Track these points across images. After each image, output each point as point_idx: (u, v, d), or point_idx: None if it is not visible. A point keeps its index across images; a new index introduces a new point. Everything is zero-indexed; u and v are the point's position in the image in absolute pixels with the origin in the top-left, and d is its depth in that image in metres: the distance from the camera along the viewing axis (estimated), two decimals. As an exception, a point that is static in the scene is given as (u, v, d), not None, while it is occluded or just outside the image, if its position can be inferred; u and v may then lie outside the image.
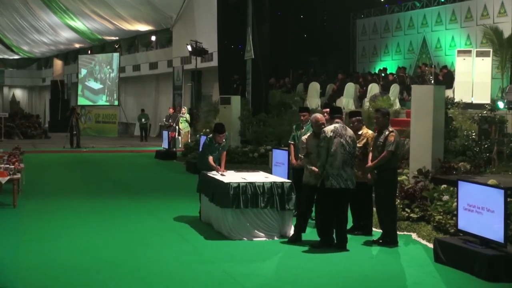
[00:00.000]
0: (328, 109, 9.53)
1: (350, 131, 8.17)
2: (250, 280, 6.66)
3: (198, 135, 20.40)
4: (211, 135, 10.39)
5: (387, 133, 8.22)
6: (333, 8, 24.17)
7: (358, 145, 8.37)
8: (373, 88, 18.61)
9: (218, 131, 10.01)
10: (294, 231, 8.47)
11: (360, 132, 8.86)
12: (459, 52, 17.36)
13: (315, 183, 8.11)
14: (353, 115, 9.13)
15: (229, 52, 23.13)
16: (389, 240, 8.26)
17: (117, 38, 39.08)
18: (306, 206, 8.45)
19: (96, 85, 37.67)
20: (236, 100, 19.03)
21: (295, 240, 8.33)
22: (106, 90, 36.84)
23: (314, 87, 20.49)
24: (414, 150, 10.70)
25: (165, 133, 21.98)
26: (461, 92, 15.99)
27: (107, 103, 36.42)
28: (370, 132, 9.07)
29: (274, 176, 9.55)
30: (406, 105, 16.80)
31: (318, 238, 8.14)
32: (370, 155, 8.52)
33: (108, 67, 36.60)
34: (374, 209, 9.05)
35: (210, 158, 9.82)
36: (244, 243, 8.32)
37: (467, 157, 11.05)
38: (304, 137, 8.67)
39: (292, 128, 10.68)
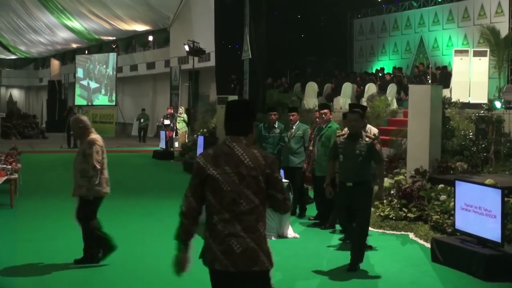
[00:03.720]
0: (326, 110, 9.56)
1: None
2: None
3: (195, 135, 20.39)
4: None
5: (367, 139, 7.04)
6: (331, 8, 24.22)
7: None
8: (371, 88, 18.62)
9: (269, 109, 10.98)
10: None
11: None
12: (456, 51, 17.38)
13: None
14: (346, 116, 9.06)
15: (226, 52, 23.12)
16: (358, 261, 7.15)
17: (114, 38, 39.05)
18: None
19: (93, 84, 37.66)
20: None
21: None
22: (102, 90, 36.83)
23: (312, 87, 20.50)
24: (411, 149, 10.71)
25: (162, 133, 21.96)
26: (458, 91, 16.01)
27: (105, 103, 36.39)
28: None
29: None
30: (404, 105, 16.81)
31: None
32: (330, 163, 7.45)
33: (105, 66, 36.59)
34: None
35: None
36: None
37: (465, 157, 11.06)
38: None
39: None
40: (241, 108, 3.87)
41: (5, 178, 10.85)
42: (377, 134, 8.29)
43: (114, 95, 35.80)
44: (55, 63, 45.39)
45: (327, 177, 7.46)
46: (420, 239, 8.63)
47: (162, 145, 21.54)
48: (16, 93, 57.21)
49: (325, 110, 9.56)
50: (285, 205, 3.78)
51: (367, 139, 7.04)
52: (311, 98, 20.05)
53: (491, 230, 6.79)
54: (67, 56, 46.96)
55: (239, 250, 3.61)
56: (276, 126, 10.69)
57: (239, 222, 3.62)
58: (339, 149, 7.14)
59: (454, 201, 7.58)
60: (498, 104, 14.17)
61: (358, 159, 6.94)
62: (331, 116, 9.52)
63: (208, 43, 24.91)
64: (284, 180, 8.99)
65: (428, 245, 8.04)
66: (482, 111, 11.98)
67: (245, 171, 3.63)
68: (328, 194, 7.38)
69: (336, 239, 8.64)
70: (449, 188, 9.12)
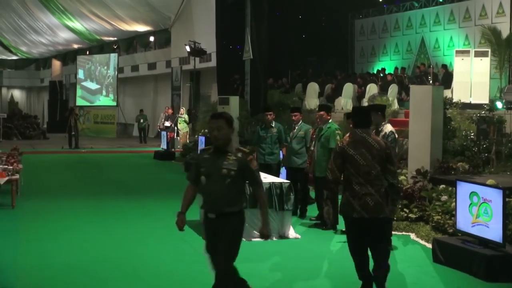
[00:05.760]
0: (322, 112, 9.55)
1: None
2: (248, 280, 6.65)
3: (196, 136, 20.39)
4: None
5: (239, 154, 5.05)
6: (332, 8, 24.18)
7: None
8: (372, 88, 18.62)
9: (265, 109, 11.09)
10: None
11: None
12: (457, 52, 17.37)
13: None
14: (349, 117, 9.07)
15: (227, 53, 23.11)
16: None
17: (115, 38, 39.07)
18: None
19: (94, 85, 37.67)
20: (234, 100, 19.00)
21: None
22: (103, 90, 36.85)
23: (313, 87, 20.50)
24: (412, 150, 10.70)
25: (163, 134, 21.97)
26: (459, 92, 16.01)
27: (106, 103, 36.41)
28: None
29: (273, 177, 9.55)
30: (405, 105, 16.81)
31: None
32: None
33: (106, 67, 36.60)
34: None
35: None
36: (242, 244, 8.21)
37: (466, 157, 11.05)
38: None
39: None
40: (365, 110, 6.25)
41: (6, 178, 10.85)
42: (393, 131, 8.17)
43: (115, 95, 35.80)
44: (56, 64, 45.47)
45: (183, 204, 5.17)
46: (422, 239, 8.63)
47: (164, 145, 21.54)
48: (17, 94, 57.28)
49: (321, 112, 9.55)
50: (395, 176, 5.73)
51: (239, 154, 5.03)
52: (312, 99, 20.05)
53: (493, 230, 6.79)
54: (68, 57, 46.99)
55: (372, 204, 5.58)
56: (273, 126, 10.70)
57: (370, 186, 5.59)
58: (202, 168, 5.08)
59: (456, 201, 7.57)
60: (499, 105, 14.16)
61: (225, 181, 4.96)
62: (329, 117, 9.52)
63: (209, 44, 24.92)
64: (285, 181, 9.00)
65: (429, 245, 8.03)
66: (483, 112, 11.97)
67: (375, 152, 5.63)
68: (179, 224, 5.10)
69: (337, 239, 8.63)
70: (450, 188, 9.11)
